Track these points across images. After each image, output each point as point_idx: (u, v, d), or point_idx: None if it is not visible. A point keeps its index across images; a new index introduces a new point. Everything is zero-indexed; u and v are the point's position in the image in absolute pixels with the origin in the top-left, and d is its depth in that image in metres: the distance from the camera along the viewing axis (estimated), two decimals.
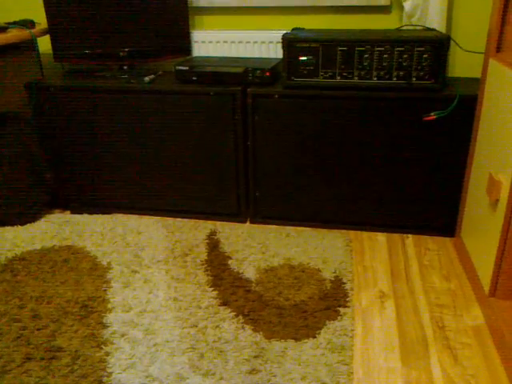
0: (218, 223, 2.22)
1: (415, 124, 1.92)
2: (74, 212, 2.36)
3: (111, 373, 1.39)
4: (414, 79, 1.88)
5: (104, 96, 2.13)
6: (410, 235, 2.11)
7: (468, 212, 1.89)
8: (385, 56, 1.87)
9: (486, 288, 1.61)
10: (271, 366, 1.40)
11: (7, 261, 1.95)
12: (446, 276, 1.82)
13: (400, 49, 1.85)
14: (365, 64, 1.89)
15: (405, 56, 1.86)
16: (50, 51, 2.47)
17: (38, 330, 1.56)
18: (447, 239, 2.07)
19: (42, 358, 1.44)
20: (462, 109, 1.87)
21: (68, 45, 2.26)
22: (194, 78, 2.09)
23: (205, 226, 2.18)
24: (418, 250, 2.00)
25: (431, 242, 2.05)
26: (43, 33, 2.27)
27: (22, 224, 2.23)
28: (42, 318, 1.61)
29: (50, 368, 1.41)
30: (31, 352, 1.46)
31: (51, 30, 2.23)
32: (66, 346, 1.49)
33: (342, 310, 1.63)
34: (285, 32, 2.05)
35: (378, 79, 1.90)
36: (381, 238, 2.10)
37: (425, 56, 1.84)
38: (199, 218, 2.27)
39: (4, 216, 2.21)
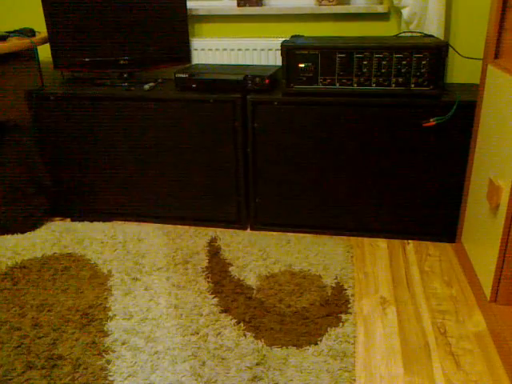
0: (219, 230, 2.22)
1: (415, 130, 1.93)
2: (74, 220, 2.36)
3: (112, 381, 1.38)
4: (413, 85, 1.89)
5: (104, 104, 2.13)
6: (410, 241, 2.11)
7: (469, 217, 1.90)
8: (383, 63, 1.88)
9: (488, 293, 1.61)
10: (273, 373, 1.40)
11: (8, 269, 1.94)
12: (447, 282, 1.82)
13: (398, 55, 1.86)
14: (364, 71, 1.90)
15: (403, 62, 1.86)
16: (50, 59, 2.48)
17: (38, 338, 1.55)
18: (448, 245, 2.07)
19: (43, 367, 1.43)
20: (461, 115, 1.88)
21: (68, 53, 2.27)
22: (194, 86, 2.09)
23: (205, 233, 2.18)
24: (419, 255, 2.00)
25: (432, 248, 2.05)
26: (43, 41, 2.28)
27: (22, 232, 2.23)
28: (42, 327, 1.61)
29: (51, 377, 1.40)
30: (32, 360, 1.46)
31: (51, 39, 2.24)
32: (67, 355, 1.48)
33: (343, 316, 1.62)
34: (284, 39, 2.06)
35: (376, 86, 1.91)
36: (382, 244, 2.10)
37: (423, 62, 1.85)
38: (199, 225, 2.27)
39: (4, 224, 2.21)
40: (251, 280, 1.84)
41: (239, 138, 2.07)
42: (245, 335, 1.55)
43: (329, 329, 1.57)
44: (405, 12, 2.09)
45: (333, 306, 1.67)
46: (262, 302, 1.71)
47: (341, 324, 1.59)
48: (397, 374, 1.40)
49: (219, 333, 1.56)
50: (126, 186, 2.27)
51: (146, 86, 2.15)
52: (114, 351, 1.49)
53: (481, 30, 2.14)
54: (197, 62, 2.42)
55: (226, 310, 1.67)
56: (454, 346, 1.50)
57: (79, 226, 2.28)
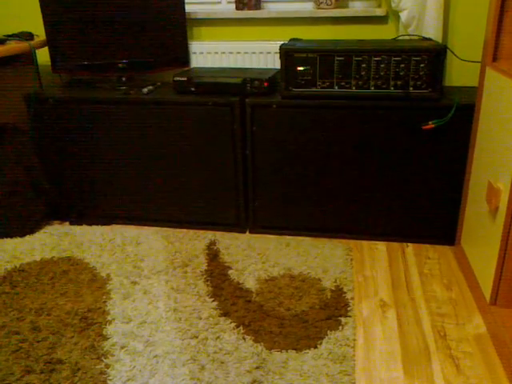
0: (218, 233, 2.22)
1: (413, 133, 1.93)
2: (72, 223, 2.35)
3: None
4: (412, 88, 1.89)
5: (102, 107, 2.13)
6: (410, 244, 2.10)
7: (468, 220, 1.90)
8: (382, 66, 1.88)
9: (488, 296, 1.61)
10: (273, 377, 1.39)
11: (6, 273, 1.94)
12: (446, 285, 1.82)
13: (397, 58, 1.86)
14: (362, 74, 1.90)
15: (402, 66, 1.87)
16: (49, 63, 2.48)
17: (37, 342, 1.55)
18: (447, 247, 2.07)
19: (42, 371, 1.43)
20: (460, 117, 1.88)
21: (66, 56, 2.27)
22: (193, 89, 2.09)
23: (204, 237, 2.18)
24: (419, 258, 2.00)
25: (431, 251, 2.05)
26: (42, 45, 2.28)
27: (21, 236, 2.23)
28: (41, 331, 1.60)
29: (50, 381, 1.39)
30: (31, 365, 1.45)
31: (50, 42, 2.24)
32: (66, 359, 1.48)
33: (343, 319, 1.62)
34: (282, 42, 2.06)
35: (375, 89, 1.91)
36: (381, 247, 2.09)
37: (422, 65, 1.85)
38: (198, 229, 2.27)
39: (3, 228, 2.21)
40: (250, 283, 1.83)
41: (238, 141, 2.07)
42: (244, 339, 1.55)
43: (328, 332, 1.56)
44: (403, 15, 2.09)
45: (332, 310, 1.67)
46: (261, 305, 1.71)
47: (340, 327, 1.58)
48: (397, 377, 1.40)
49: (218, 336, 1.56)
50: (125, 189, 2.27)
51: (145, 90, 2.15)
52: (112, 355, 1.49)
53: (479, 33, 2.15)
54: (195, 66, 2.42)
55: (225, 314, 1.67)
56: (454, 349, 1.49)
57: (78, 229, 2.28)
